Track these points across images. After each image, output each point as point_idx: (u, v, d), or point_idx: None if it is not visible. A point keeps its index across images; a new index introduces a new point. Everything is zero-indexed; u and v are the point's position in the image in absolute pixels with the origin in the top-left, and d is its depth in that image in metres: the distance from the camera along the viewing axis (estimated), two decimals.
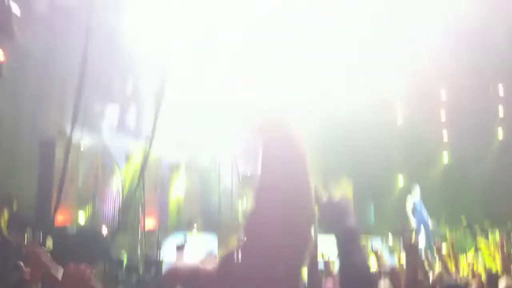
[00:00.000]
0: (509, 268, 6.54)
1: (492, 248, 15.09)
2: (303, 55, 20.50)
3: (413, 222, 16.66)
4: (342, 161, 23.40)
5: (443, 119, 24.36)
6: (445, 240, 19.42)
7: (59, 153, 14.90)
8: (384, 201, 21.89)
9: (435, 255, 8.77)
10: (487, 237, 18.68)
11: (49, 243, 11.64)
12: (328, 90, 22.85)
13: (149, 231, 12.97)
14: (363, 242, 2.48)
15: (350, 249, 2.44)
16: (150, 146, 13.29)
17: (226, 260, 2.74)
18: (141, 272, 11.27)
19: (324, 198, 2.55)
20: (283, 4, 16.69)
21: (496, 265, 8.17)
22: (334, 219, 2.48)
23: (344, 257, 2.35)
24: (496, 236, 18.14)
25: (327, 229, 2.59)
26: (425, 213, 16.74)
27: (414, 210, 16.56)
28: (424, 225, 16.60)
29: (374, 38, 20.90)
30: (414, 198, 16.79)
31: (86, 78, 12.82)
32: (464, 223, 19.94)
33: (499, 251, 7.13)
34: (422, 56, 21.72)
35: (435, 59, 21.92)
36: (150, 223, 14.24)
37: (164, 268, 11.87)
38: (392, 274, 5.85)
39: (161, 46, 15.85)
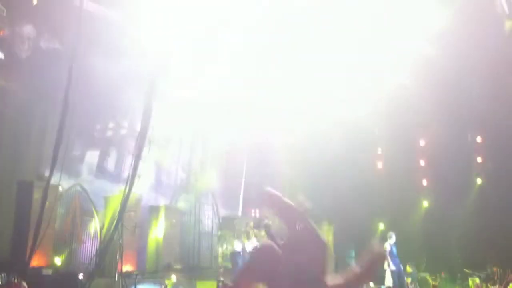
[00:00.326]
0: None
1: None
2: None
3: (391, 265, 16.72)
4: (323, 206, 23.41)
5: (422, 164, 24.66)
6: (426, 284, 19.51)
7: (37, 195, 14.74)
8: (365, 245, 21.79)
9: None
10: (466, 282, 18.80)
11: (24, 285, 11.39)
12: (310, 137, 23.17)
13: (126, 273, 12.74)
14: None
15: None
16: (129, 189, 13.19)
17: None
18: None
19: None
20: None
21: None
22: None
23: None
24: (476, 280, 18.24)
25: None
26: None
27: (391, 254, 16.66)
28: (398, 268, 16.74)
29: (354, 86, 21.31)
30: (390, 243, 16.93)
31: (66, 121, 12.79)
32: (444, 273, 19.99)
33: None
34: (400, 104, 22.12)
35: (413, 108, 22.36)
36: (128, 266, 13.99)
37: None
38: None
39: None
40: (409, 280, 17.16)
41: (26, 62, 16.74)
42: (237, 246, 16.74)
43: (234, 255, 15.38)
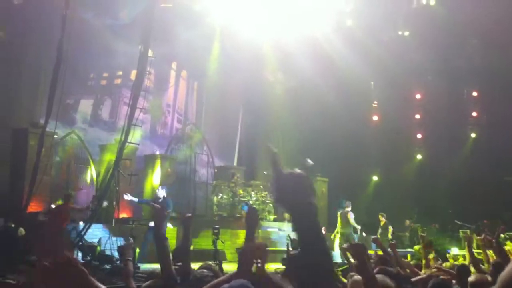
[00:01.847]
0: (477, 262, 6.71)
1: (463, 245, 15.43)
2: None
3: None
4: (318, 158, 23.58)
5: (417, 117, 24.77)
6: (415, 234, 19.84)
7: (32, 142, 14.76)
8: (358, 197, 22.08)
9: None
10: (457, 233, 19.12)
11: (22, 230, 11.53)
12: (306, 89, 23.14)
13: (123, 220, 12.90)
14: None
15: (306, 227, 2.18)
16: (125, 138, 13.19)
17: None
18: (114, 260, 11.26)
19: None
20: None
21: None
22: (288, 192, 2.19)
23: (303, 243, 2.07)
24: (466, 232, 18.53)
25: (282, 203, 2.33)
26: None
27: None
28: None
29: (354, 38, 21.16)
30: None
31: (61, 69, 12.65)
32: (436, 224, 20.30)
33: (468, 247, 7.29)
34: (397, 58, 22.04)
35: (410, 62, 22.29)
36: (124, 213, 14.16)
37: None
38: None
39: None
40: (379, 232, 17.59)
41: (18, 10, 16.46)
42: None
43: None
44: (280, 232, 17.82)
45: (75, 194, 16.78)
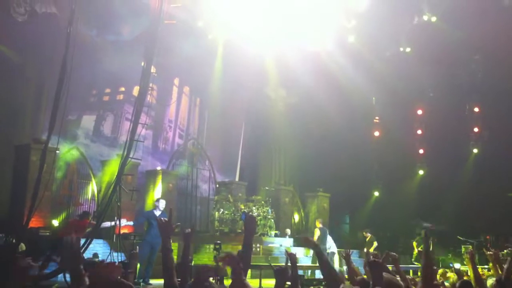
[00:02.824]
0: (480, 278, 6.66)
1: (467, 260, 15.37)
2: None
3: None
4: (319, 174, 23.64)
5: (419, 133, 24.79)
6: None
7: (34, 158, 14.83)
8: (360, 212, 22.07)
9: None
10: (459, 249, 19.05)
11: (23, 246, 11.53)
12: (308, 105, 23.19)
13: (124, 235, 12.86)
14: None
15: None
16: (127, 153, 13.19)
17: None
18: None
19: None
20: None
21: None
22: None
23: None
24: (468, 247, 18.47)
25: None
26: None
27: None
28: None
29: (356, 53, 21.24)
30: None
31: (64, 86, 12.69)
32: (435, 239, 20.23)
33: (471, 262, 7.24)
34: (399, 73, 22.11)
35: (411, 77, 22.35)
36: (125, 228, 14.12)
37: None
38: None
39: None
40: (375, 244, 17.67)
41: (22, 27, 16.59)
42: None
43: None
44: (281, 247, 17.76)
45: (76, 210, 16.84)
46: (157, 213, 12.65)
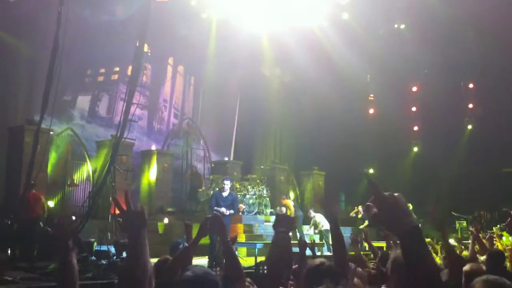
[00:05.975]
0: (476, 257, 6.74)
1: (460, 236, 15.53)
2: None
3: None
4: (315, 152, 23.70)
5: (413, 109, 24.80)
6: None
7: (28, 139, 14.77)
8: (355, 190, 22.14)
9: None
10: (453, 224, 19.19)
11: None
12: (302, 83, 23.15)
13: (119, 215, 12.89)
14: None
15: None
16: (122, 133, 13.18)
17: None
18: (111, 256, 11.28)
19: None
20: None
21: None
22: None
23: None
24: (462, 223, 18.61)
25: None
26: None
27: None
28: None
29: (350, 31, 21.13)
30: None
31: (56, 65, 12.59)
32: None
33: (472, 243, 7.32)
34: (393, 50, 22.03)
35: (406, 54, 22.27)
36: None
37: None
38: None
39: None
40: (366, 223, 17.77)
41: (14, 7, 16.42)
42: None
43: None
44: None
45: (71, 191, 16.86)
46: (225, 194, 12.13)
